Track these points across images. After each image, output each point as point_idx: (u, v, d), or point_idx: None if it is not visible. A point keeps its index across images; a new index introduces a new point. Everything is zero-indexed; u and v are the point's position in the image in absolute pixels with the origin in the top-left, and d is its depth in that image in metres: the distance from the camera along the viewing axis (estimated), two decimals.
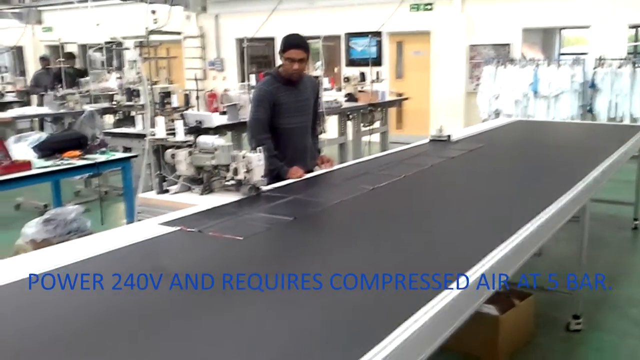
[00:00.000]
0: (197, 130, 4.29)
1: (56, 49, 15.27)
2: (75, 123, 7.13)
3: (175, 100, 4.49)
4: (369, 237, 2.43)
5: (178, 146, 3.30)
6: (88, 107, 7.11)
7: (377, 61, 11.30)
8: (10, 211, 6.68)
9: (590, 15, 9.61)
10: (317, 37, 10.22)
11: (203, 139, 3.26)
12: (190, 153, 3.24)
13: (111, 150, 4.77)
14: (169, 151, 3.31)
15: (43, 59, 10.96)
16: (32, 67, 15.84)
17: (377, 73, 8.52)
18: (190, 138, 3.24)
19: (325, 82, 7.65)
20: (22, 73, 15.38)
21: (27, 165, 3.88)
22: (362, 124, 8.01)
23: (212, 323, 1.60)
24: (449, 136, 4.67)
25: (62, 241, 4.53)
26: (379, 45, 11.66)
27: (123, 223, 5.04)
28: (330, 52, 12.34)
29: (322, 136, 7.11)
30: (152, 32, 6.12)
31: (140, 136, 5.25)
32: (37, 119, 7.68)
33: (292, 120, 3.70)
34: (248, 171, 3.08)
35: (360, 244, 2.34)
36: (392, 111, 10.65)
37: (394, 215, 2.79)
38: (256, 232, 2.43)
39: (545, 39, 11.03)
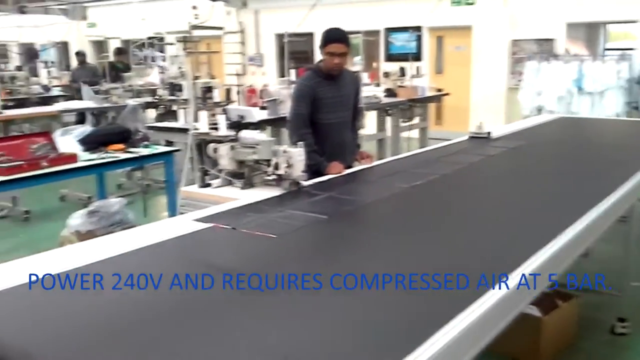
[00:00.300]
0: (238, 124, 4.34)
1: (100, 45, 15.65)
2: (118, 117, 7.29)
3: (217, 95, 4.52)
4: (407, 236, 2.40)
5: (220, 140, 3.33)
6: (131, 102, 7.23)
7: (416, 56, 11.20)
8: (55, 202, 6.86)
9: (638, 10, 9.32)
10: (357, 32, 10.23)
11: (245, 134, 3.29)
12: (232, 147, 3.27)
13: (153, 144, 4.83)
14: (212, 145, 3.34)
15: (78, 55, 11.12)
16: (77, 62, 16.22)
17: (418, 68, 8.44)
18: (232, 132, 3.26)
19: (365, 77, 7.62)
20: (67, 68, 15.73)
21: (73, 157, 3.97)
22: (401, 120, 7.95)
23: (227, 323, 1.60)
24: (489, 133, 4.60)
25: (106, 233, 4.62)
26: (419, 40, 11.55)
27: (165, 216, 5.11)
28: (370, 47, 12.29)
29: (360, 132, 7.10)
30: (194, 27, 6.17)
31: (183, 130, 5.31)
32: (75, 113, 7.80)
33: (332, 115, 3.70)
34: (289, 166, 3.09)
35: (398, 243, 2.31)
36: (432, 107, 10.51)
37: (432, 214, 2.76)
38: (290, 230, 2.41)
39: (590, 34, 10.75)
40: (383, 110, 7.75)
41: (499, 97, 10.75)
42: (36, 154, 3.81)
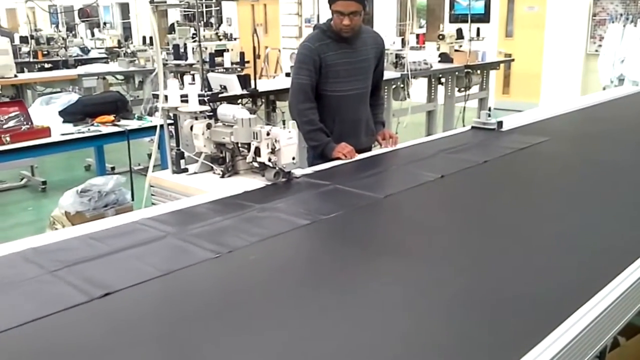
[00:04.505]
0: (251, 95, 3.71)
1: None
2: (145, 82, 6.81)
3: (228, 60, 3.87)
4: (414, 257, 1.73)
5: (197, 117, 2.72)
6: None
7: (484, 18, 10.17)
8: (79, 172, 6.48)
9: None
10: None
11: (223, 109, 2.66)
12: (208, 126, 2.65)
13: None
14: (187, 122, 2.73)
15: None
16: (136, 24, 15.98)
17: (478, 30, 7.46)
18: (206, 107, 2.64)
19: (413, 40, 6.76)
20: (126, 30, 15.49)
21: (45, 131, 3.45)
22: (456, 89, 7.06)
23: None
24: (499, 123, 3.48)
25: (98, 215, 4.15)
26: None
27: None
28: (436, 8, 11.33)
29: (407, 102, 6.33)
30: None
31: None
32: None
33: (343, 86, 2.99)
34: (273, 151, 2.45)
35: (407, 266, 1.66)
36: (498, 74, 9.54)
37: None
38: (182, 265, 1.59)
39: None
40: (435, 78, 6.87)
41: (576, 64, 9.60)
42: (4, 127, 3.31)
